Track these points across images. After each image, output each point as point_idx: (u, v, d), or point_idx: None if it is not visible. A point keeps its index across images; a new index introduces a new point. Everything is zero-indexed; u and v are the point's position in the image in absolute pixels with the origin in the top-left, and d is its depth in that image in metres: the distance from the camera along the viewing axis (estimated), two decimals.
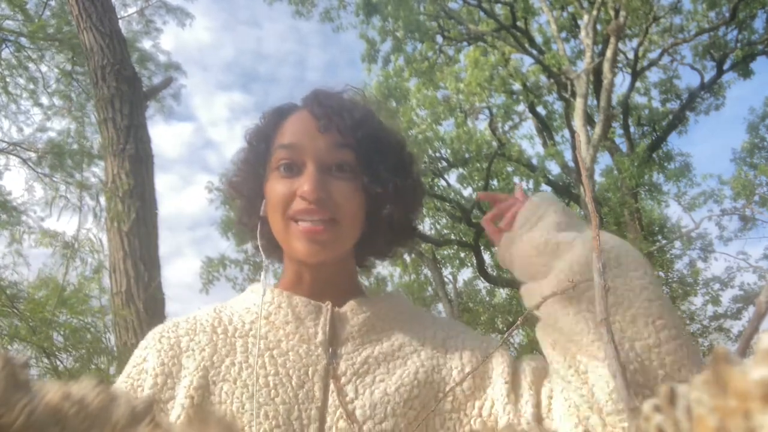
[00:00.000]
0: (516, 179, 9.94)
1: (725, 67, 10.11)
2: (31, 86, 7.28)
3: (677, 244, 11.13)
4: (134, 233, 3.37)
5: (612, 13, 8.40)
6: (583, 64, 8.05)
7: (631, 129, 10.63)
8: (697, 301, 13.11)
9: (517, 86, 9.21)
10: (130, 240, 3.35)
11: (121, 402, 0.22)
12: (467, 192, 9.77)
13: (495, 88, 8.67)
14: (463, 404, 0.78)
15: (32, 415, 0.20)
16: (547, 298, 0.68)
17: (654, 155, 9.96)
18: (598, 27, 8.37)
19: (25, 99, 7.37)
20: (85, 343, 3.56)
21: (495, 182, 9.58)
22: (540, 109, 10.16)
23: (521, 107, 9.55)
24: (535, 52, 9.25)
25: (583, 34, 8.36)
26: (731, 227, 10.78)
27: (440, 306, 11.27)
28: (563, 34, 9.71)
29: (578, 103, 7.10)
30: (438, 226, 10.09)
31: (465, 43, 10.15)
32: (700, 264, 11.96)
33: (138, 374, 0.81)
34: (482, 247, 9.49)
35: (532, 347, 12.77)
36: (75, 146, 6.73)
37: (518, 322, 0.66)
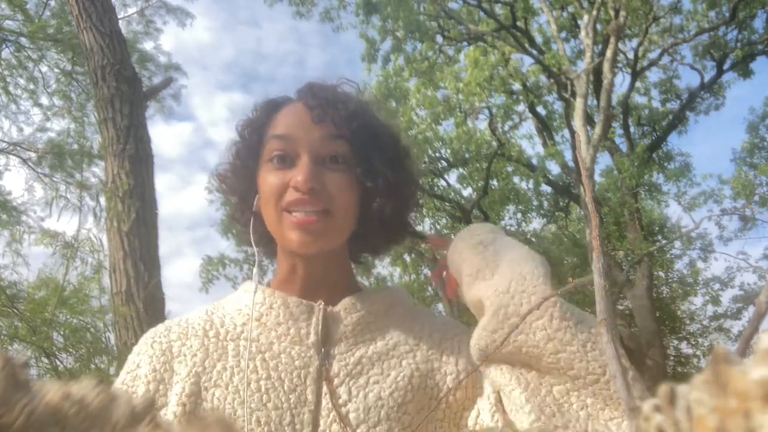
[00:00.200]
0: (516, 179, 9.95)
1: (725, 67, 10.11)
2: (31, 86, 7.29)
3: (677, 244, 11.14)
4: (134, 233, 3.37)
5: (612, 13, 8.40)
6: (583, 64, 8.05)
7: (631, 129, 10.63)
8: (697, 301, 13.13)
9: (517, 86, 9.21)
10: (130, 240, 3.35)
11: (121, 402, 0.22)
12: (467, 192, 9.79)
13: (495, 88, 8.67)
14: (456, 413, 0.78)
15: (32, 415, 0.20)
16: (548, 298, 0.68)
17: (654, 155, 9.96)
18: (598, 27, 8.37)
19: (25, 99, 7.38)
20: (85, 343, 3.56)
21: (495, 182, 9.58)
22: (540, 109, 10.17)
23: (521, 107, 9.56)
24: (535, 52, 9.25)
25: (583, 34, 8.36)
26: (731, 227, 10.79)
27: (440, 306, 11.26)
28: (563, 34, 9.71)
29: (578, 103, 7.10)
30: (438, 226, 10.09)
31: (465, 43, 10.15)
32: (700, 264, 11.99)
33: (132, 381, 0.81)
34: None
35: None
36: (75, 146, 6.73)
37: (518, 323, 0.66)
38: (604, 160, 10.27)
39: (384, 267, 10.22)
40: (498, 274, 0.74)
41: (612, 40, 7.98)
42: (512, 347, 0.67)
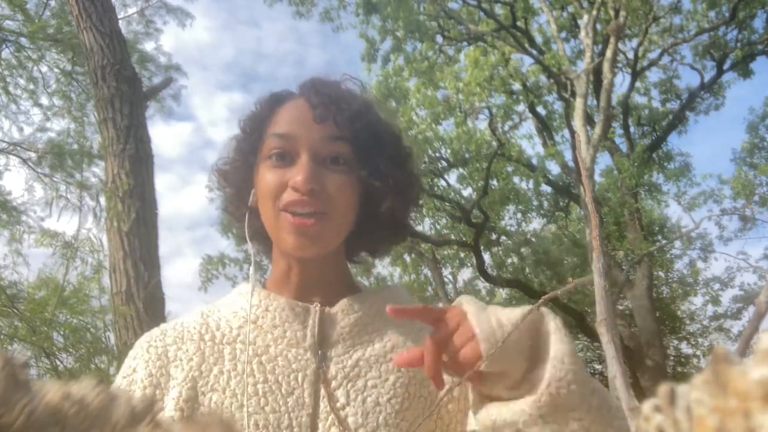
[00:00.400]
0: (516, 179, 9.95)
1: (725, 67, 10.11)
2: (31, 86, 7.29)
3: (677, 244, 11.14)
4: (134, 233, 3.37)
5: (612, 13, 8.40)
6: (583, 64, 8.05)
7: (631, 129, 10.64)
8: (697, 301, 13.13)
9: (517, 86, 9.21)
10: (130, 240, 3.36)
11: (121, 402, 0.22)
12: (467, 192, 9.78)
13: (495, 88, 8.67)
14: (449, 425, 0.77)
15: (32, 415, 0.20)
16: (548, 298, 0.68)
17: (654, 155, 9.96)
18: (598, 27, 8.37)
19: (25, 99, 7.38)
20: (85, 343, 3.56)
21: (495, 182, 9.59)
22: (540, 109, 10.17)
23: (521, 107, 9.56)
24: (535, 52, 9.25)
25: (583, 34, 8.36)
26: (731, 227, 10.79)
27: (440, 306, 11.25)
28: (563, 34, 9.71)
29: (578, 103, 7.09)
30: (438, 226, 10.09)
31: (465, 43, 10.15)
32: (700, 264, 11.99)
33: (128, 386, 0.80)
34: (482, 247, 9.49)
35: None
36: (75, 146, 6.73)
37: (518, 323, 0.66)
38: (604, 160, 10.28)
39: (384, 267, 10.23)
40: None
41: (612, 40, 7.98)
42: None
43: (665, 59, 10.55)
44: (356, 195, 0.83)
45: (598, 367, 13.04)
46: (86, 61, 3.95)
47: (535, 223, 11.79)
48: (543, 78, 9.21)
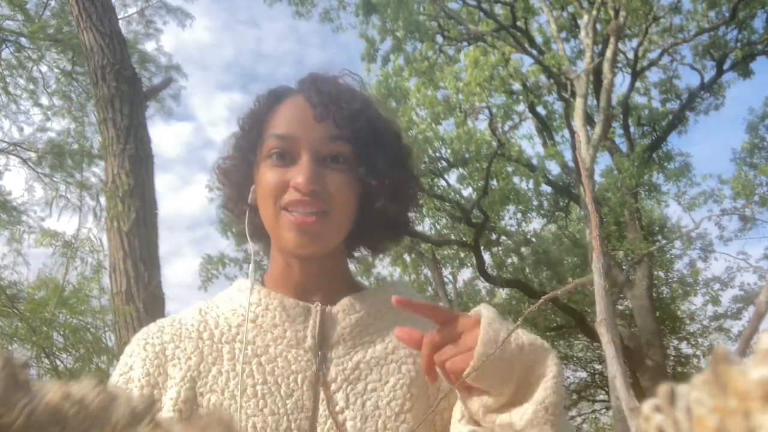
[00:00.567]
0: (516, 179, 9.94)
1: (725, 67, 10.11)
2: (31, 86, 7.29)
3: (677, 244, 11.14)
4: (134, 233, 3.37)
5: (612, 13, 8.40)
6: (583, 64, 8.05)
7: (631, 129, 10.64)
8: (697, 301, 13.13)
9: (517, 86, 9.21)
10: (130, 240, 3.35)
11: (121, 402, 0.22)
12: (467, 192, 9.78)
13: (495, 88, 8.67)
14: (448, 426, 0.77)
15: (32, 415, 0.20)
16: (548, 298, 0.68)
17: (654, 155, 9.96)
18: (598, 27, 8.37)
19: (25, 99, 7.38)
20: (85, 343, 3.56)
21: (495, 182, 9.59)
22: (540, 109, 10.16)
23: (521, 107, 9.56)
24: (535, 52, 9.25)
25: (583, 34, 8.36)
26: (731, 227, 10.80)
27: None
28: (563, 34, 9.71)
29: (578, 103, 7.10)
30: (438, 226, 10.09)
31: (465, 43, 10.15)
32: (700, 264, 11.98)
33: (125, 383, 0.79)
34: (482, 247, 9.49)
35: None
36: (75, 146, 6.73)
37: (518, 323, 0.66)
38: (604, 160, 10.28)
39: (384, 267, 10.23)
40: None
41: (612, 40, 7.98)
42: None
43: (665, 59, 10.56)
44: (356, 194, 0.83)
45: (598, 367, 13.04)
46: (86, 61, 3.95)
47: (535, 223, 11.80)
48: (543, 78, 9.21)
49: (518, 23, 9.65)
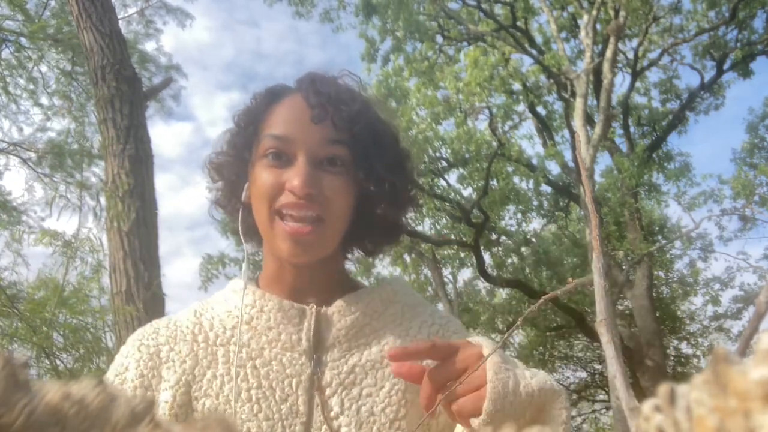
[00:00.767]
0: (516, 179, 9.95)
1: (725, 67, 10.11)
2: (31, 86, 7.29)
3: (677, 244, 11.14)
4: (134, 233, 3.37)
5: (612, 13, 8.40)
6: (583, 64, 8.05)
7: (631, 129, 10.64)
8: (697, 301, 13.13)
9: (517, 86, 9.21)
10: (130, 240, 3.35)
11: (121, 402, 0.22)
12: (467, 192, 9.78)
13: (495, 88, 8.67)
14: (444, 430, 0.77)
15: (32, 415, 0.20)
16: (548, 298, 0.68)
17: (654, 155, 9.96)
18: (598, 27, 8.37)
19: (25, 99, 7.38)
20: (85, 343, 3.56)
21: (495, 182, 9.59)
22: (540, 109, 10.17)
23: (521, 107, 9.56)
24: (535, 52, 9.25)
25: (583, 34, 8.36)
26: (731, 227, 10.80)
27: (440, 306, 11.26)
28: (563, 34, 9.71)
29: (578, 103, 7.10)
30: (438, 226, 10.09)
31: (465, 43, 10.15)
32: (700, 264, 11.99)
33: (120, 384, 0.79)
34: (482, 247, 9.49)
35: (532, 347, 12.79)
36: (75, 146, 6.73)
37: (518, 323, 0.66)
38: (604, 160, 10.28)
39: (384, 267, 10.23)
40: None
41: (612, 40, 7.98)
42: None
43: (665, 59, 10.56)
44: (352, 197, 0.82)
45: (598, 367, 13.04)
46: (86, 61, 3.95)
47: (535, 223, 11.80)
48: (543, 78, 9.21)
49: (518, 23, 9.65)
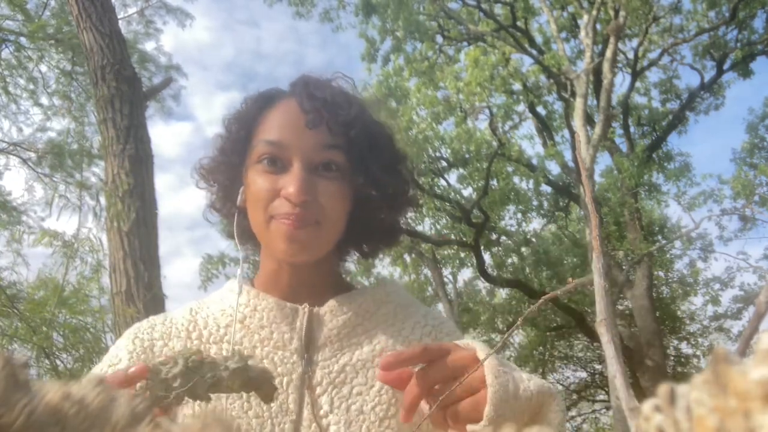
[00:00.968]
0: (516, 179, 9.95)
1: (725, 67, 10.11)
2: (31, 86, 7.29)
3: (677, 244, 11.14)
4: (134, 233, 3.37)
5: (612, 13, 8.40)
6: (583, 64, 8.05)
7: (631, 129, 10.63)
8: (697, 301, 13.13)
9: (517, 86, 9.21)
10: (130, 240, 3.35)
11: (121, 402, 0.22)
12: (467, 192, 9.78)
13: (495, 88, 8.67)
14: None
15: (32, 415, 0.20)
16: (548, 298, 0.67)
17: (654, 155, 9.96)
18: (598, 27, 8.37)
19: (25, 99, 7.38)
20: (85, 344, 3.56)
21: (495, 182, 9.59)
22: (540, 109, 10.16)
23: (521, 107, 9.56)
24: (535, 52, 9.25)
25: (583, 34, 8.36)
26: (731, 227, 10.80)
27: (440, 306, 11.26)
28: (563, 34, 9.71)
29: (578, 103, 7.10)
30: (438, 226, 10.09)
31: (465, 43, 10.15)
32: (700, 264, 11.99)
33: None
34: (482, 247, 9.49)
35: (532, 347, 12.78)
36: (75, 146, 6.73)
37: (518, 323, 0.66)
38: (604, 160, 10.28)
39: (384, 267, 10.23)
40: None
41: (612, 40, 7.98)
42: None
43: (665, 59, 10.56)
44: (348, 201, 0.82)
45: (598, 367, 13.04)
46: (86, 61, 3.95)
47: (535, 223, 11.80)
48: (543, 78, 9.21)
49: (518, 23, 9.65)
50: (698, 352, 12.98)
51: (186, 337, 0.82)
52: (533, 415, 0.66)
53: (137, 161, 3.56)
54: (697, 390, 0.18)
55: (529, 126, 10.71)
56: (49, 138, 7.15)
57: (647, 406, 0.20)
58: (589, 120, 7.94)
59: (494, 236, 10.58)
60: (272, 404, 0.75)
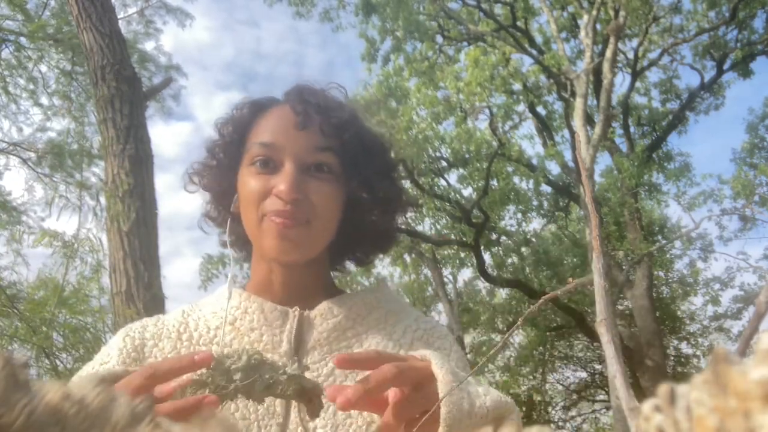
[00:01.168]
0: (516, 179, 9.95)
1: (725, 67, 10.11)
2: (31, 86, 7.29)
3: (677, 244, 11.14)
4: (134, 233, 3.37)
5: (612, 13, 8.40)
6: (583, 64, 8.05)
7: (631, 129, 10.63)
8: (697, 301, 13.13)
9: (517, 86, 9.21)
10: (130, 240, 3.35)
11: (121, 402, 0.22)
12: (467, 192, 9.78)
13: (495, 88, 8.67)
14: None
15: (32, 415, 0.20)
16: (548, 298, 0.67)
17: (654, 155, 9.96)
18: (598, 27, 8.37)
19: (25, 99, 7.38)
20: (85, 343, 3.56)
21: (495, 182, 9.59)
22: (540, 109, 10.16)
23: (521, 107, 9.56)
24: (535, 52, 9.25)
25: (583, 34, 8.36)
26: (731, 227, 10.80)
27: (440, 306, 11.27)
28: (563, 34, 9.71)
29: (578, 103, 7.10)
30: (438, 226, 10.09)
31: (465, 43, 10.15)
32: (700, 264, 11.98)
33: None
34: (482, 247, 9.49)
35: (532, 347, 12.78)
36: (75, 146, 6.73)
37: (519, 323, 0.66)
38: (604, 160, 10.28)
39: (384, 267, 10.24)
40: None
41: (612, 40, 7.98)
42: None
43: (665, 59, 10.55)
44: (340, 204, 0.83)
45: (598, 367, 13.04)
46: (86, 61, 3.95)
47: (535, 223, 11.80)
48: (543, 78, 9.21)
49: (518, 23, 9.65)
50: (698, 352, 12.98)
51: (176, 338, 0.82)
52: (491, 427, 0.64)
53: (137, 161, 3.56)
54: (697, 390, 0.18)
55: (529, 126, 10.72)
56: (49, 138, 7.16)
57: (647, 406, 0.20)
58: (589, 120, 7.94)
59: (494, 236, 10.58)
60: (259, 407, 0.75)
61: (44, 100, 7.41)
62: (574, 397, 13.38)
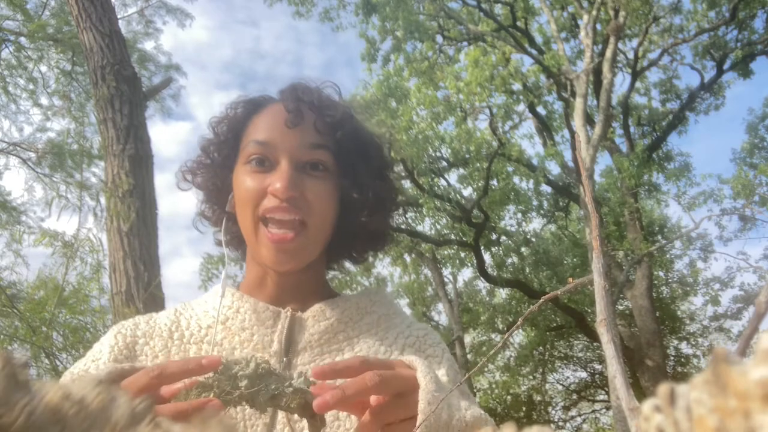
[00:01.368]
0: (516, 179, 9.95)
1: (725, 67, 10.11)
2: (31, 86, 7.29)
3: (677, 244, 11.13)
4: (134, 233, 3.37)
5: (612, 13, 8.40)
6: (583, 64, 8.05)
7: (631, 129, 10.63)
8: (697, 301, 13.15)
9: (517, 86, 9.21)
10: (130, 240, 3.35)
11: (121, 402, 0.22)
12: (467, 192, 9.78)
13: (495, 88, 8.67)
14: None
15: (32, 415, 0.20)
16: (548, 298, 0.67)
17: (654, 155, 9.96)
18: (598, 27, 8.37)
19: (25, 99, 7.38)
20: (85, 343, 3.56)
21: (495, 182, 9.59)
22: (540, 109, 10.16)
23: (521, 107, 9.55)
24: (534, 52, 9.25)
25: (582, 34, 8.36)
26: (731, 227, 10.80)
27: (440, 306, 11.27)
28: (563, 34, 9.71)
29: (578, 103, 7.10)
30: (438, 226, 10.09)
31: (465, 43, 10.15)
32: (700, 264, 11.99)
33: (94, 369, 0.79)
34: (482, 247, 9.49)
35: (532, 347, 12.78)
36: (75, 146, 6.73)
37: (519, 323, 0.66)
38: (604, 160, 10.28)
39: (384, 267, 10.24)
40: None
41: (612, 40, 7.98)
42: None
43: (665, 59, 10.55)
44: (335, 202, 0.83)
45: (598, 367, 13.04)
46: (86, 61, 3.95)
47: (535, 223, 11.80)
48: (543, 78, 9.21)
49: (518, 23, 9.65)
50: (698, 352, 12.99)
51: (168, 336, 0.82)
52: None
53: (137, 161, 3.56)
54: (697, 390, 0.18)
55: (529, 126, 10.71)
56: (49, 138, 7.16)
57: (647, 406, 0.20)
58: (589, 120, 7.94)
59: (494, 236, 10.58)
60: (247, 406, 0.75)
61: (44, 100, 7.42)
62: (574, 397, 13.39)
